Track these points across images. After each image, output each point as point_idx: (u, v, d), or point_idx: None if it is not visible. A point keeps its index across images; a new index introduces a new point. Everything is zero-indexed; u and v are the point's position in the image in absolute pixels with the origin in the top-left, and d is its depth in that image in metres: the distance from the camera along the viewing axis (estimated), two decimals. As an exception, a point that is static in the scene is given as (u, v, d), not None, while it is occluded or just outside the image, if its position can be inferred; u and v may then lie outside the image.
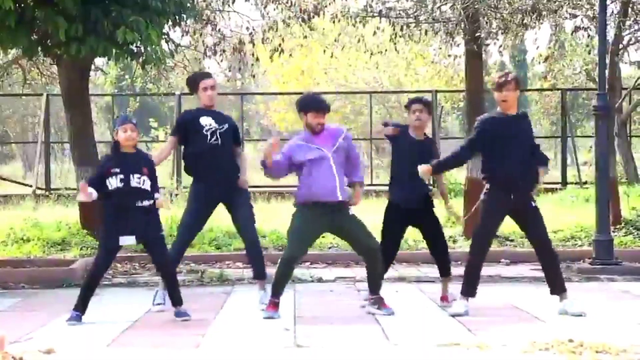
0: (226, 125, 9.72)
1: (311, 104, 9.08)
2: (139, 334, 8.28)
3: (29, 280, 12.02)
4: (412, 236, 13.90)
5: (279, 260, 9.10)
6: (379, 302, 9.11)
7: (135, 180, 8.75)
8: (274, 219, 15.77)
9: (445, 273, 9.75)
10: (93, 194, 8.69)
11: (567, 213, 17.02)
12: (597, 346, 7.08)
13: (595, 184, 13.14)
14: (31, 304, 10.43)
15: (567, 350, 7.02)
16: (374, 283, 9.15)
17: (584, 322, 8.52)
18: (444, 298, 9.76)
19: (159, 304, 9.55)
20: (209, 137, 9.61)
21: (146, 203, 8.79)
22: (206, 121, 9.65)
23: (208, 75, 9.97)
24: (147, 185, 8.80)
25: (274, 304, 9.02)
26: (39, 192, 23.71)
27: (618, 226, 15.42)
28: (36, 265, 12.92)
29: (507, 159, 8.90)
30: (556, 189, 22.92)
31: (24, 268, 12.71)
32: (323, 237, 14.98)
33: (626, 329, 8.12)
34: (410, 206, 9.47)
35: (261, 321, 8.80)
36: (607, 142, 13.26)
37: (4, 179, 28.66)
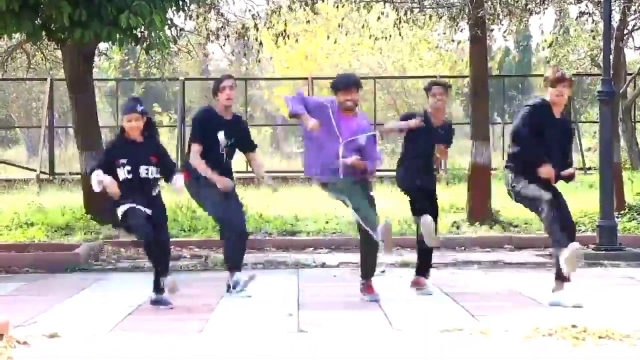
0: (233, 140, 9.63)
1: (339, 83, 9.16)
2: (142, 318, 8.29)
3: (33, 265, 12.04)
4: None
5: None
6: (365, 288, 9.14)
7: (144, 172, 8.77)
8: (278, 204, 15.80)
9: (424, 272, 9.71)
10: (114, 184, 8.67)
11: (570, 199, 16.94)
12: (600, 332, 7.08)
13: (599, 170, 13.14)
14: (35, 289, 10.45)
15: (570, 335, 7.02)
16: (367, 267, 9.21)
17: (588, 307, 8.51)
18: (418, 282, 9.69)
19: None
20: (219, 153, 9.60)
21: (155, 191, 8.84)
22: (220, 137, 9.56)
23: (228, 76, 9.95)
24: (155, 174, 8.81)
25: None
26: (42, 176, 23.75)
27: (622, 212, 15.42)
28: (40, 250, 12.94)
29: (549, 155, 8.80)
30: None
31: (28, 252, 12.73)
32: (326, 222, 15.03)
33: (629, 315, 8.12)
34: (427, 186, 9.48)
35: (264, 306, 8.81)
36: (612, 127, 13.25)
37: (8, 164, 28.70)
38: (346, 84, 9.11)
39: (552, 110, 8.81)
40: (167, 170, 8.91)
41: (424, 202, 9.40)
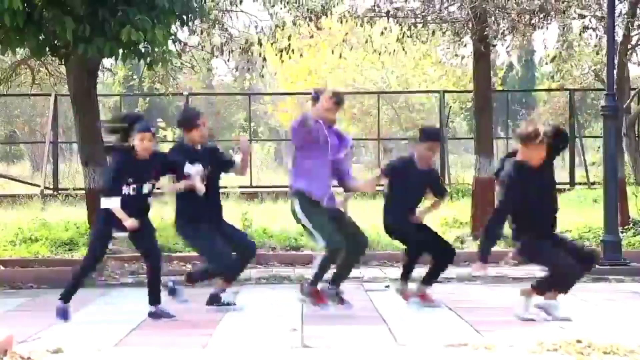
0: (208, 168, 9.55)
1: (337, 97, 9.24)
2: (146, 333, 8.29)
3: (37, 280, 12.04)
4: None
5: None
6: (315, 295, 9.19)
7: (147, 188, 8.87)
8: (280, 219, 15.79)
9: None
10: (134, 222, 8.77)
11: (575, 213, 16.99)
12: (605, 347, 7.06)
13: (604, 185, 13.13)
14: (39, 304, 10.44)
15: (575, 350, 7.01)
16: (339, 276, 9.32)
17: (593, 322, 8.50)
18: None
19: (184, 301, 9.56)
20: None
21: (150, 198, 8.95)
22: (192, 170, 9.45)
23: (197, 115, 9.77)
24: (152, 188, 8.93)
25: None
26: (47, 192, 23.75)
27: (626, 227, 15.39)
28: (44, 265, 12.94)
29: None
30: (564, 189, 22.90)
31: (32, 268, 12.74)
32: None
33: (634, 330, 8.11)
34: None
35: (268, 321, 8.80)
36: (616, 142, 13.23)
37: (12, 179, 28.71)
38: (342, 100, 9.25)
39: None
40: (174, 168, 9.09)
41: (419, 235, 9.49)
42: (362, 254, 9.48)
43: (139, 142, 8.74)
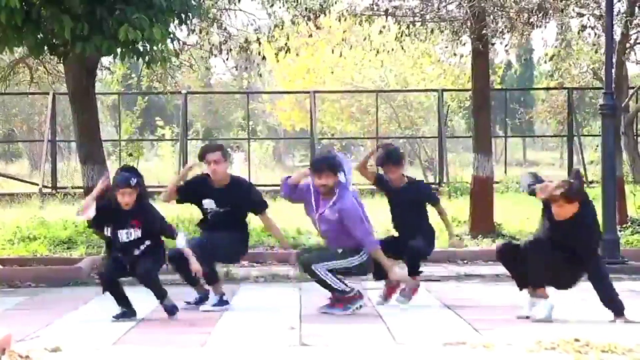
0: (228, 208, 9.64)
1: (311, 165, 9.43)
2: (144, 332, 8.29)
3: (35, 279, 12.04)
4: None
5: None
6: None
7: (124, 236, 8.94)
8: (278, 217, 15.76)
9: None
10: (90, 214, 8.95)
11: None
12: (603, 346, 7.07)
13: (602, 183, 13.12)
14: (37, 303, 10.45)
15: (573, 349, 7.01)
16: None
17: (591, 321, 8.50)
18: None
19: (193, 303, 9.62)
20: (209, 217, 9.74)
21: (139, 250, 8.96)
22: (208, 204, 9.67)
23: (212, 149, 9.80)
24: (137, 235, 8.93)
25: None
26: (45, 190, 23.73)
27: (624, 225, 15.40)
28: (42, 264, 12.94)
29: None
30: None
31: (30, 267, 12.73)
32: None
33: (632, 328, 8.11)
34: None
35: (267, 320, 8.81)
36: (614, 141, 13.23)
37: (11, 178, 28.70)
38: (315, 168, 9.26)
39: None
40: (158, 233, 9.03)
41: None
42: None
43: (119, 196, 8.89)
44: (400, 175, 9.77)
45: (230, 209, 9.60)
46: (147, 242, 8.97)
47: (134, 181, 8.87)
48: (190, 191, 9.74)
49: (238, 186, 9.73)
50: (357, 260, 9.16)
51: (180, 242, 9.06)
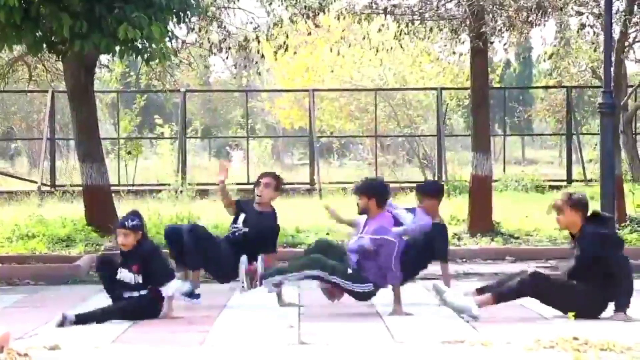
0: (253, 231, 9.89)
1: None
2: (143, 330, 8.29)
3: (34, 277, 12.04)
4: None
5: None
6: None
7: (122, 275, 8.94)
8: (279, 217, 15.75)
9: None
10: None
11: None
12: (601, 344, 7.06)
13: (600, 182, 13.13)
14: (36, 300, 10.45)
15: (571, 348, 7.01)
16: None
17: (589, 320, 8.50)
18: None
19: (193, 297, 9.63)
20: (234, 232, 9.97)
21: (135, 294, 8.91)
22: (237, 221, 9.99)
23: (264, 174, 10.24)
24: (134, 280, 8.91)
25: None
26: (44, 188, 23.74)
27: (623, 224, 15.40)
28: (41, 262, 12.94)
29: None
30: (561, 186, 22.91)
31: (29, 264, 12.74)
32: (327, 233, 15.03)
33: (631, 327, 8.11)
34: None
35: (265, 318, 8.81)
36: (613, 139, 13.23)
37: (9, 175, 28.70)
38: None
39: None
40: (155, 278, 8.95)
41: None
42: None
43: (119, 237, 9.03)
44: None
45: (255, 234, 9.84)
46: (143, 292, 8.91)
47: (129, 223, 8.89)
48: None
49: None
50: (359, 288, 9.10)
51: (171, 288, 9.00)
